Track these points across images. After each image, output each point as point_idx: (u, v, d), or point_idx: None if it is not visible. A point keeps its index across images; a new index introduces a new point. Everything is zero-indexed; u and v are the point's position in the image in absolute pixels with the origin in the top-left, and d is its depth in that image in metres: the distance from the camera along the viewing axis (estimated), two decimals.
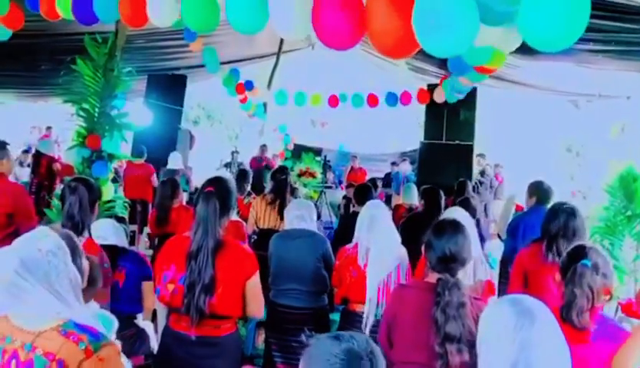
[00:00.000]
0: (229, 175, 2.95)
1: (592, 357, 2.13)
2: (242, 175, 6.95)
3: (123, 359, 1.75)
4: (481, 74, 6.11)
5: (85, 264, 1.91)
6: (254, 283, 2.63)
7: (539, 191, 4.85)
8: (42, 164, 9.68)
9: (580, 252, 2.33)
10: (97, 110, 5.84)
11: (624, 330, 2.25)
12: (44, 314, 1.64)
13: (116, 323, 2.10)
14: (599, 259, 2.30)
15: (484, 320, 1.84)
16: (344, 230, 5.15)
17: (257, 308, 2.71)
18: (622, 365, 1.94)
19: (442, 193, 5.18)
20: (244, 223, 5.10)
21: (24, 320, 1.64)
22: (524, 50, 3.33)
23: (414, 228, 4.63)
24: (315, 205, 9.04)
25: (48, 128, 12.10)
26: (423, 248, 2.60)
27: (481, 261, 3.43)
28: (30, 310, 1.63)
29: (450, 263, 2.46)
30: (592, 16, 2.76)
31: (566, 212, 3.34)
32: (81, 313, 1.71)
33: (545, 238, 3.41)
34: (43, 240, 1.71)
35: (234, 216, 4.96)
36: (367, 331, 3.33)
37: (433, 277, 2.49)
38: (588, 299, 2.21)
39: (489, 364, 1.74)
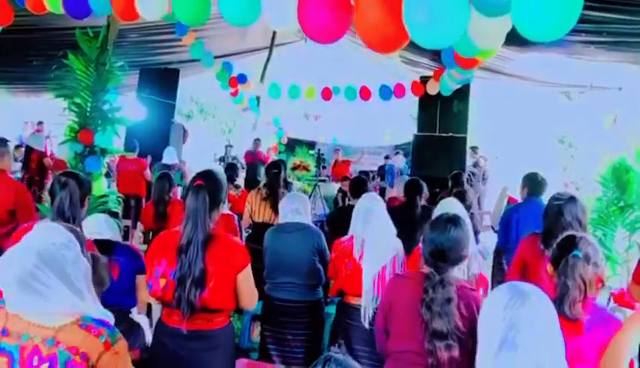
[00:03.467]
0: (219, 169, 2.94)
1: (586, 347, 2.15)
2: (229, 170, 7.00)
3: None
4: (465, 69, 6.13)
5: (90, 260, 1.94)
6: (246, 275, 2.62)
7: (530, 183, 4.86)
8: (33, 159, 9.67)
9: (570, 243, 2.34)
10: (89, 104, 5.82)
11: (616, 319, 2.27)
12: (62, 309, 1.67)
13: (112, 319, 2.11)
14: (589, 249, 2.31)
15: (484, 303, 1.88)
16: (337, 222, 5.16)
17: (249, 301, 2.70)
18: (615, 359, 1.95)
19: (423, 186, 5.18)
20: (235, 216, 5.11)
21: (40, 317, 1.67)
22: (516, 42, 3.34)
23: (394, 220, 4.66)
24: (309, 197, 9.07)
25: (40, 123, 12.04)
26: (421, 240, 2.62)
27: (475, 255, 3.44)
28: (48, 306, 1.66)
29: (439, 259, 2.46)
30: (584, 7, 2.78)
31: (556, 208, 3.30)
32: (94, 307, 1.76)
33: (542, 232, 3.42)
34: (55, 234, 1.76)
35: (225, 209, 4.97)
36: (366, 324, 3.34)
37: (426, 269, 2.51)
38: (580, 290, 2.22)
39: (482, 342, 1.78)
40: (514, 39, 3.40)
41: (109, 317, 1.94)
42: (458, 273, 2.77)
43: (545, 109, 13.38)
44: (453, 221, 2.53)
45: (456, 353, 2.34)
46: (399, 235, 3.60)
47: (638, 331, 2.00)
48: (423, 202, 5.11)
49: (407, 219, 4.52)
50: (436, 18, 2.63)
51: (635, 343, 2.01)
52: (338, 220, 4.88)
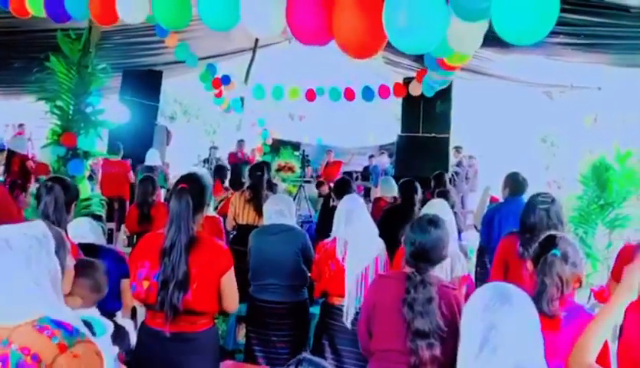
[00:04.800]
0: (204, 172, 2.97)
1: (563, 343, 2.20)
2: (219, 171, 6.98)
3: (111, 360, 1.76)
4: (447, 71, 6.20)
5: (70, 264, 1.92)
6: (229, 278, 2.64)
7: (512, 182, 4.92)
8: (15, 162, 9.57)
9: (550, 242, 2.39)
10: (71, 107, 5.80)
11: (593, 316, 2.32)
12: (21, 302, 1.64)
13: (110, 329, 2.11)
14: (569, 248, 2.36)
15: (465, 304, 1.90)
16: (324, 225, 5.21)
17: (231, 303, 2.72)
18: (583, 347, 2.00)
19: (418, 186, 5.24)
20: (221, 219, 5.11)
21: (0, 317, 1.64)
22: (498, 44, 3.40)
23: (392, 221, 4.70)
24: (294, 199, 9.08)
25: (20, 125, 11.91)
26: (402, 241, 2.65)
27: (458, 257, 3.49)
28: (6, 297, 1.64)
29: (421, 260, 2.51)
30: (561, 10, 2.85)
31: (540, 211, 3.37)
32: (58, 309, 1.71)
33: (521, 233, 3.48)
34: (31, 227, 1.75)
35: (211, 212, 4.97)
36: (348, 324, 3.37)
37: (408, 269, 2.55)
38: (557, 288, 2.27)
39: (463, 343, 1.81)
40: (495, 41, 3.47)
41: (104, 327, 1.92)
42: (440, 272, 2.82)
43: (527, 108, 13.50)
44: (434, 221, 2.58)
45: (437, 351, 2.39)
46: (397, 235, 3.63)
47: (610, 318, 2.06)
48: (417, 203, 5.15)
49: (406, 219, 4.57)
50: (416, 24, 2.67)
51: (608, 330, 2.06)
52: (324, 224, 4.93)
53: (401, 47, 2.80)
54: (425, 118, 10.17)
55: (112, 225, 7.52)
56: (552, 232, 2.56)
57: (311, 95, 11.42)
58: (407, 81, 9.86)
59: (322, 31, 3.19)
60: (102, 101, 6.31)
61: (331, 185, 7.22)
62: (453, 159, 11.04)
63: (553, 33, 3.45)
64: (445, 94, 9.82)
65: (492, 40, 3.49)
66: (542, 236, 2.53)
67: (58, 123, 5.80)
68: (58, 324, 1.64)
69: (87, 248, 3.26)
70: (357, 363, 3.36)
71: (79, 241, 3.22)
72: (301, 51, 11.94)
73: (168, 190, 8.38)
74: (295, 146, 14.59)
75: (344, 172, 11.80)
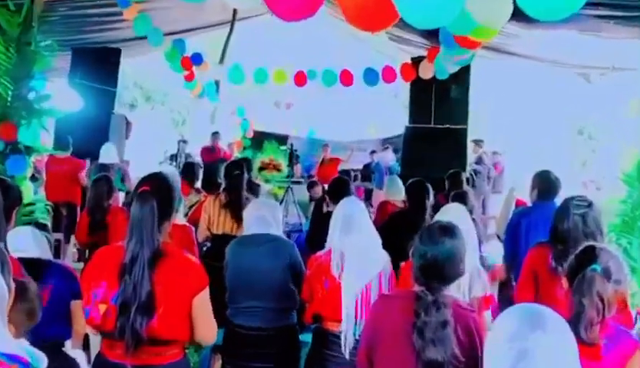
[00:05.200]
0: (172, 171, 2.96)
1: None
2: (188, 170, 6.95)
3: None
4: (464, 49, 6.21)
5: (12, 284, 1.92)
6: (202, 300, 2.63)
7: (542, 183, 4.93)
8: None
9: (589, 255, 2.41)
10: (10, 92, 5.78)
11: (636, 340, 2.33)
12: None
13: (45, 362, 2.11)
14: (611, 262, 2.38)
15: (491, 328, 1.91)
16: (316, 234, 5.20)
17: (207, 332, 2.71)
18: None
19: (430, 188, 5.26)
20: (193, 228, 5.10)
21: None
22: (522, 17, 3.40)
23: (398, 229, 4.70)
24: (281, 203, 9.08)
25: None
26: (410, 253, 2.65)
27: (479, 273, 3.50)
28: None
29: (432, 276, 2.51)
30: None
31: (575, 217, 3.40)
32: (6, 340, 1.71)
33: (553, 243, 3.51)
34: None
35: (181, 219, 4.96)
36: (346, 354, 3.37)
37: (417, 288, 2.55)
38: (598, 310, 2.28)
39: None
40: (520, 14, 3.48)
41: (38, 359, 1.92)
42: (456, 292, 2.82)
43: (560, 94, 13.55)
44: (448, 230, 2.58)
45: None
46: (405, 247, 3.64)
47: None
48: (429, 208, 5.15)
49: (415, 227, 4.58)
50: None
51: None
52: (316, 233, 4.92)
53: (411, 20, 2.80)
54: (438, 106, 10.18)
55: (59, 236, 7.50)
56: (591, 243, 2.57)
57: (300, 79, 11.41)
58: (417, 62, 9.88)
59: (303, 5, 3.20)
60: (47, 85, 6.29)
61: (326, 186, 7.22)
62: (471, 155, 11.06)
63: (590, 4, 3.46)
64: (462, 77, 9.84)
65: (516, 12, 3.50)
66: (579, 247, 2.54)
67: None
68: (13, 358, 1.64)
69: (30, 264, 3.24)
70: None
71: (20, 255, 3.21)
72: (288, 26, 11.95)
73: (128, 193, 8.36)
74: (282, 140, 14.61)
75: (341, 171, 11.80)
